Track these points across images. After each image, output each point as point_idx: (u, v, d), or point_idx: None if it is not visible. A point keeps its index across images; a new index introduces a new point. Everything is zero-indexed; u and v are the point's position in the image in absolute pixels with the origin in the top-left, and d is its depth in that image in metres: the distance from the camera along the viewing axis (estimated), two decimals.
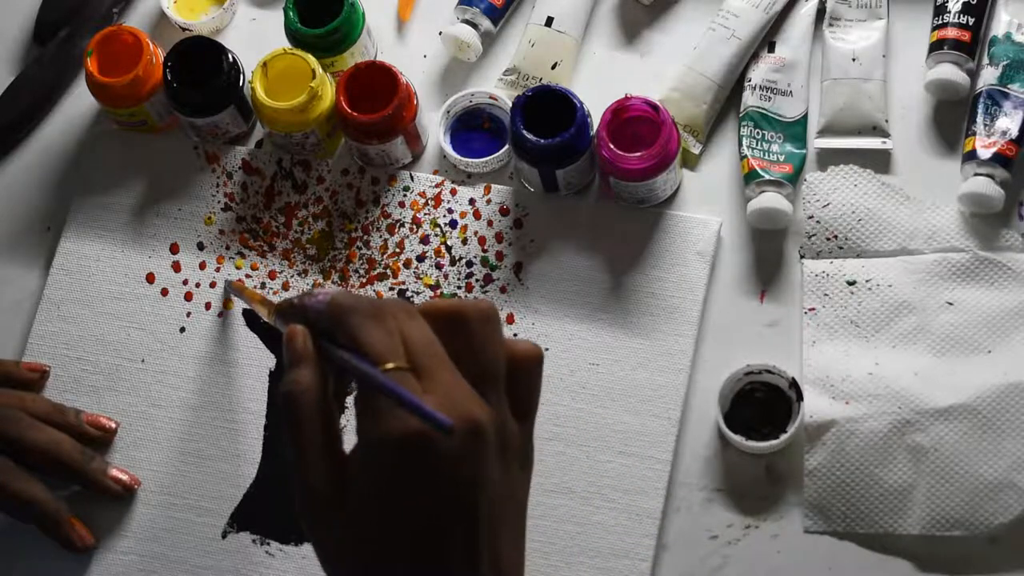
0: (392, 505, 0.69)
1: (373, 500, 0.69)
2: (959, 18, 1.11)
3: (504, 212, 1.12)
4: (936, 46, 1.11)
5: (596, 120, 1.09)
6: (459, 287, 1.10)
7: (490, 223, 1.12)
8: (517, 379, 0.73)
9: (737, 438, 1.02)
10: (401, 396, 0.68)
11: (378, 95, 1.10)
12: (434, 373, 0.69)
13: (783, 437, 1.02)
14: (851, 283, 1.07)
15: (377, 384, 0.68)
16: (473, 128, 1.15)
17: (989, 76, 1.09)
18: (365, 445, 0.70)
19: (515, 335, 1.08)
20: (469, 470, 0.68)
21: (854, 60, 1.12)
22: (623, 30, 1.18)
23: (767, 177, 1.09)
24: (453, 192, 1.13)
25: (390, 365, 0.69)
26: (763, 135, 1.10)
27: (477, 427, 0.68)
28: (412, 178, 1.14)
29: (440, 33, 1.18)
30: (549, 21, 1.15)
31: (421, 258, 1.11)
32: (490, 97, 1.14)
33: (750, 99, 1.12)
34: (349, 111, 1.09)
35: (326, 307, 0.72)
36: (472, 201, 1.12)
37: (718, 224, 1.10)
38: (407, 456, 0.68)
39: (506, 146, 1.12)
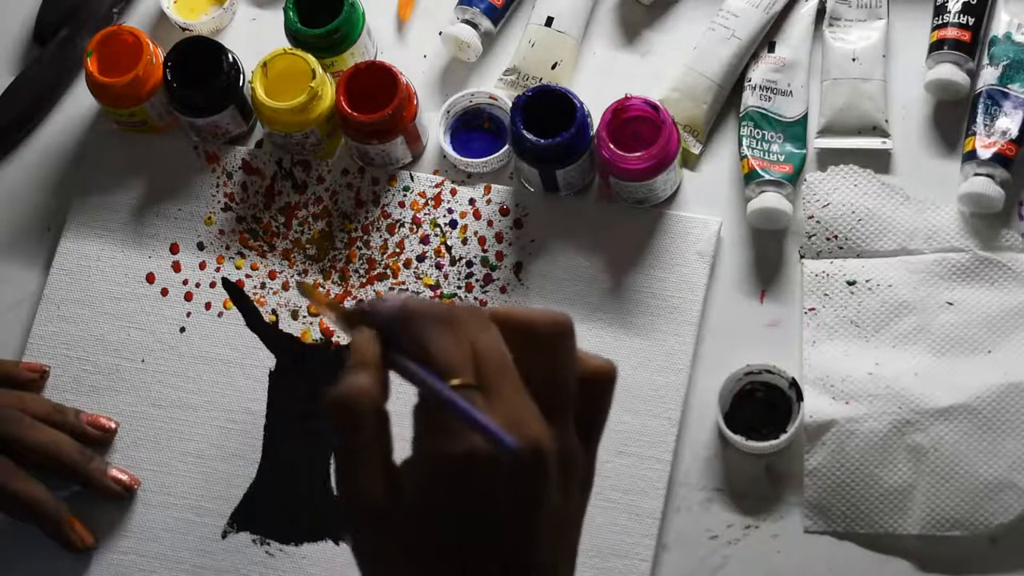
0: (445, 522, 0.66)
1: (426, 516, 0.67)
2: (959, 18, 1.11)
3: (504, 212, 1.12)
4: (936, 46, 1.11)
5: (596, 120, 1.09)
6: (459, 287, 1.10)
7: (490, 223, 1.12)
8: (587, 398, 0.70)
9: (737, 438, 1.02)
10: (468, 415, 0.65)
11: (378, 95, 1.10)
12: (501, 391, 0.66)
13: (783, 437, 1.02)
14: (851, 283, 1.07)
15: (444, 399, 0.66)
16: (473, 128, 1.15)
17: (989, 76, 1.09)
18: (423, 459, 0.67)
19: None
20: (528, 494, 0.66)
21: (854, 60, 1.12)
22: (623, 30, 1.18)
23: (767, 177, 1.09)
24: (453, 192, 1.13)
25: (456, 381, 0.66)
26: (763, 135, 1.10)
27: (539, 451, 0.65)
28: (412, 178, 1.14)
29: (440, 33, 1.18)
30: (549, 21, 1.15)
31: (421, 258, 1.11)
32: (490, 97, 1.14)
33: (750, 99, 1.12)
34: (349, 111, 1.09)
35: (397, 312, 0.69)
36: (472, 201, 1.12)
37: (718, 224, 1.10)
38: (466, 475, 0.65)
39: (506, 146, 1.12)
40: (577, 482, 0.70)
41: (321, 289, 1.09)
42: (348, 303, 1.10)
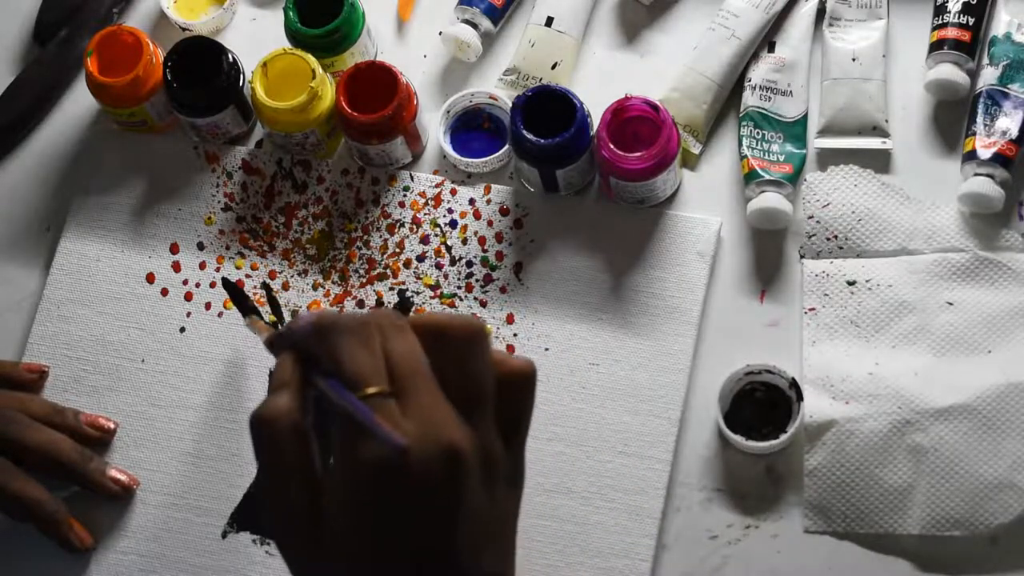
0: (368, 531, 0.68)
1: (349, 526, 0.68)
2: (959, 18, 1.11)
3: (504, 212, 1.12)
4: (936, 46, 1.11)
5: (596, 120, 1.09)
6: (459, 287, 1.10)
7: (490, 223, 1.12)
8: (507, 397, 0.72)
9: (737, 438, 1.02)
10: (360, 415, 0.67)
11: (378, 95, 1.10)
12: (415, 395, 0.68)
13: (783, 437, 1.02)
14: (851, 283, 1.07)
15: (344, 407, 0.68)
16: (473, 128, 1.15)
17: (989, 76, 1.09)
18: (341, 469, 0.69)
19: (515, 335, 1.08)
20: (444, 496, 0.68)
21: (854, 60, 1.12)
22: (623, 30, 1.18)
23: (767, 177, 1.09)
24: (453, 192, 1.13)
25: (371, 390, 0.68)
26: (763, 135, 1.11)
27: (454, 452, 0.67)
28: (412, 178, 1.14)
29: (440, 33, 1.18)
30: (549, 21, 1.15)
31: (421, 258, 1.11)
32: (490, 97, 1.14)
33: (750, 99, 1.12)
34: (349, 111, 1.09)
35: (311, 329, 0.71)
36: (472, 201, 1.12)
37: (718, 224, 1.10)
38: (383, 482, 0.67)
39: (506, 146, 1.12)
40: (502, 479, 0.71)
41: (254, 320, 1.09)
42: (348, 303, 1.10)
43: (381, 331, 0.70)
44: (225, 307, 1.11)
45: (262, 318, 1.11)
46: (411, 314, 0.73)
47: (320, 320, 0.71)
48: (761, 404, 1.04)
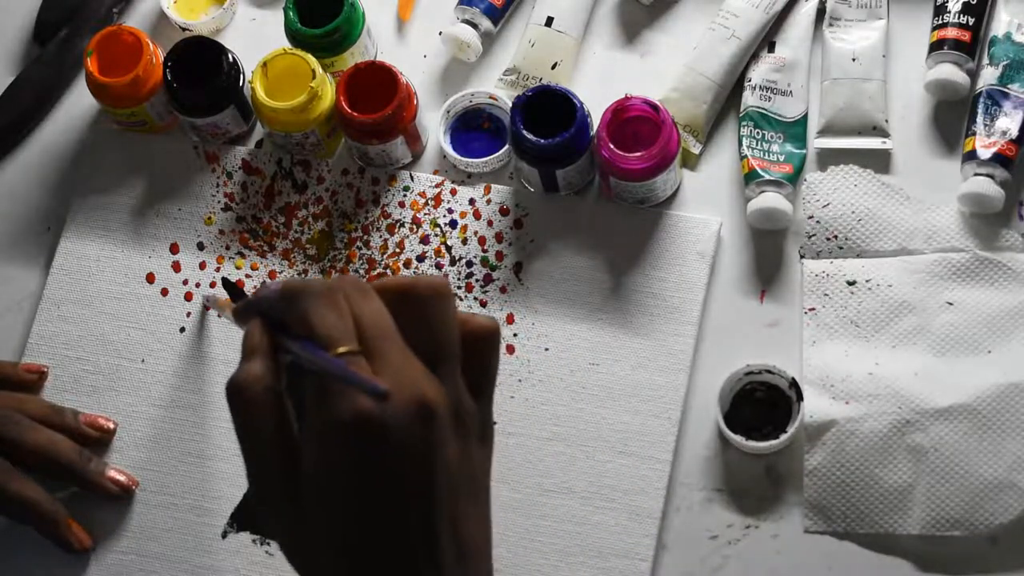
0: (345, 488, 0.69)
1: (326, 485, 0.69)
2: (959, 18, 1.11)
3: (504, 212, 1.12)
4: (936, 46, 1.11)
5: (596, 120, 1.09)
6: (459, 287, 1.10)
7: (490, 223, 1.12)
8: (472, 355, 0.73)
9: (737, 438, 1.02)
10: (341, 372, 0.68)
11: (378, 95, 1.10)
12: (385, 354, 0.69)
13: (783, 437, 1.02)
14: (851, 283, 1.07)
15: (319, 365, 0.69)
16: (473, 128, 1.15)
17: (989, 76, 1.09)
18: (316, 430, 0.69)
19: (515, 335, 1.08)
20: (421, 449, 0.68)
21: (854, 60, 1.12)
22: (623, 30, 1.18)
23: (767, 177, 1.09)
24: (453, 192, 1.13)
25: (342, 349, 0.69)
26: (763, 135, 1.11)
27: (428, 406, 0.68)
28: (412, 178, 1.14)
29: (440, 33, 1.18)
30: (549, 21, 1.15)
31: (421, 258, 1.11)
32: (490, 97, 1.14)
33: (750, 99, 1.12)
34: (349, 111, 1.09)
35: (278, 295, 0.72)
36: (472, 201, 1.12)
37: (718, 224, 1.10)
38: (357, 437, 0.67)
39: (506, 146, 1.12)
40: (474, 433, 0.72)
41: (212, 296, 1.09)
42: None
43: (347, 295, 0.71)
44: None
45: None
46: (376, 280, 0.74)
47: (287, 286, 0.72)
48: (761, 404, 1.04)
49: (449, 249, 1.11)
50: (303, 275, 1.11)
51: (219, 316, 1.10)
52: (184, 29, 1.20)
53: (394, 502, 0.69)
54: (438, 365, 0.70)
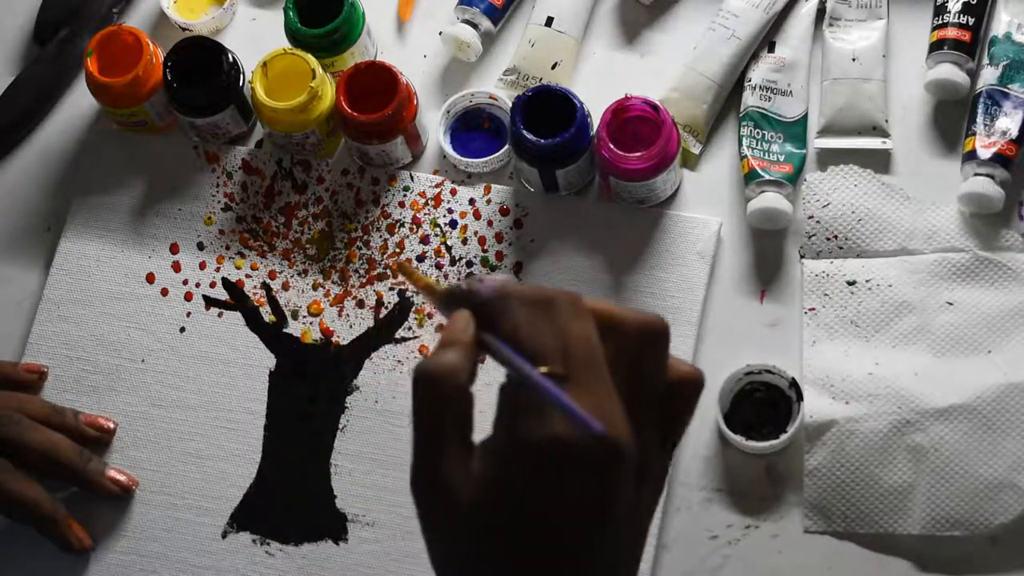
0: (518, 506, 0.66)
1: (499, 497, 0.67)
2: (959, 18, 1.11)
3: (504, 212, 1.12)
4: (936, 46, 1.11)
5: (596, 120, 1.09)
6: None
7: (490, 223, 1.12)
8: (671, 403, 0.70)
9: (737, 438, 1.02)
10: (558, 399, 0.65)
11: (378, 95, 1.10)
12: (587, 383, 0.66)
13: (783, 437, 1.02)
14: (851, 283, 1.07)
15: (533, 383, 0.66)
16: (473, 128, 1.15)
17: (989, 76, 1.09)
18: (504, 440, 0.67)
19: None
20: (603, 488, 0.66)
21: (854, 60, 1.12)
22: (623, 30, 1.18)
23: (767, 177, 1.09)
24: (453, 192, 1.13)
25: (544, 369, 0.66)
26: (763, 135, 1.10)
27: (618, 448, 0.65)
28: (412, 178, 1.14)
29: (440, 33, 1.18)
30: (549, 21, 1.15)
31: (421, 258, 1.11)
32: (490, 97, 1.14)
33: (750, 99, 1.12)
34: (349, 111, 1.09)
35: (495, 293, 0.69)
36: (472, 201, 1.12)
37: (718, 224, 1.10)
38: (545, 461, 0.65)
39: (506, 146, 1.12)
40: (650, 485, 0.70)
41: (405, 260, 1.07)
42: (348, 303, 1.10)
43: (562, 311, 0.68)
44: (226, 306, 1.12)
45: (262, 319, 1.11)
46: (591, 299, 0.70)
47: (507, 286, 0.69)
48: (761, 404, 1.04)
49: (449, 249, 1.11)
50: (303, 275, 1.11)
51: (409, 291, 1.08)
52: (184, 29, 1.20)
53: (560, 535, 0.67)
54: (635, 408, 0.68)
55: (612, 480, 0.66)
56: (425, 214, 1.12)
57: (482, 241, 1.11)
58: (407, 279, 0.92)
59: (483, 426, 0.68)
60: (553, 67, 1.15)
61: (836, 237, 1.08)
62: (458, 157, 1.13)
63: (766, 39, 1.14)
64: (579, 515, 0.66)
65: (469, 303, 0.70)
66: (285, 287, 1.12)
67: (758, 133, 1.10)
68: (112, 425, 1.08)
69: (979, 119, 1.08)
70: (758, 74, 1.12)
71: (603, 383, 0.67)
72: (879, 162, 1.11)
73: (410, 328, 1.09)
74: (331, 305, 1.11)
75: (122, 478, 1.07)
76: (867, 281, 1.07)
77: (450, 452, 0.67)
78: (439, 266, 1.11)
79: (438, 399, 0.67)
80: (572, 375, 0.66)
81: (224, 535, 1.06)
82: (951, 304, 1.06)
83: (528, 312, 0.68)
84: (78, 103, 1.20)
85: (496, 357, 0.68)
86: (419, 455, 0.68)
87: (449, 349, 0.68)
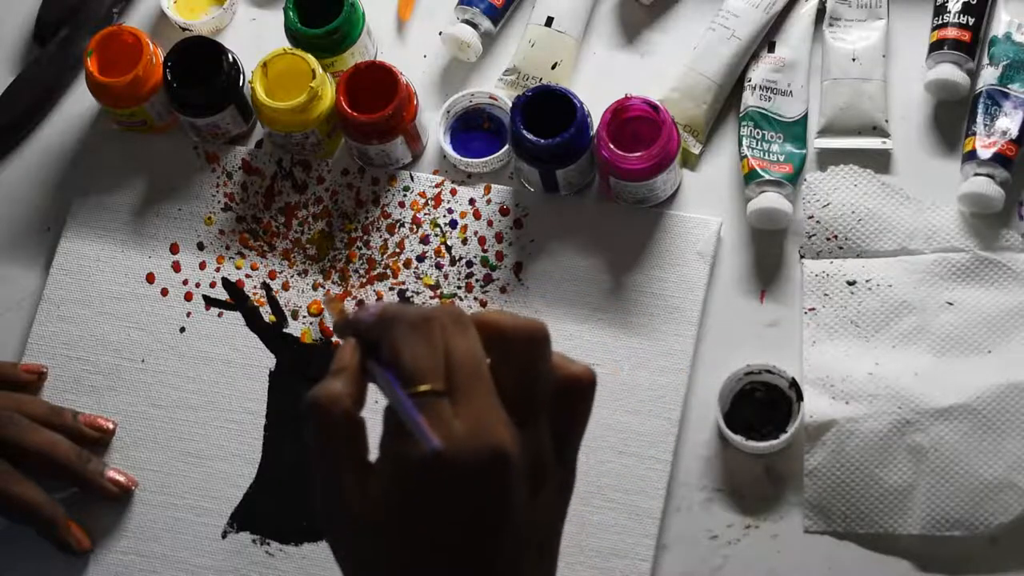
0: (411, 524, 0.68)
1: (393, 516, 0.68)
2: (959, 18, 1.11)
3: (504, 212, 1.12)
4: (936, 46, 1.11)
5: (596, 120, 1.09)
6: (459, 287, 1.10)
7: (490, 223, 1.12)
8: (563, 402, 0.71)
9: (737, 438, 1.02)
10: (404, 410, 0.67)
11: (378, 95, 1.10)
12: (469, 395, 0.68)
13: (783, 437, 1.02)
14: (851, 283, 1.07)
15: (396, 403, 0.68)
16: (473, 128, 1.15)
17: (989, 76, 1.09)
18: (391, 462, 0.69)
19: None
20: (490, 498, 0.67)
21: (854, 60, 1.12)
22: (623, 30, 1.18)
23: (767, 177, 1.09)
24: (453, 192, 1.13)
25: (424, 387, 0.68)
26: (763, 135, 1.10)
27: (503, 455, 0.67)
28: (412, 178, 1.14)
29: (440, 33, 1.18)
30: (549, 21, 1.15)
31: (421, 258, 1.11)
32: (490, 97, 1.14)
33: (750, 99, 1.12)
34: (349, 111, 1.09)
35: (372, 319, 0.71)
36: (472, 201, 1.12)
37: (718, 224, 1.10)
38: (426, 478, 0.67)
39: (506, 146, 1.12)
40: (551, 486, 0.71)
41: (331, 293, 1.10)
42: (349, 303, 1.10)
43: (443, 328, 0.69)
44: (226, 305, 1.12)
45: (262, 319, 1.11)
46: (475, 311, 0.72)
47: (385, 311, 0.71)
48: (761, 404, 1.04)
49: (449, 249, 1.11)
50: (303, 275, 1.11)
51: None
52: (184, 29, 1.20)
53: (452, 548, 0.68)
54: (524, 413, 0.69)
55: (499, 489, 0.67)
56: (425, 214, 1.12)
57: (482, 241, 1.11)
58: (329, 311, 0.95)
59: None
60: (553, 67, 1.15)
61: (836, 237, 1.08)
62: (458, 157, 1.13)
63: (766, 39, 1.14)
64: (470, 526, 0.68)
65: (355, 331, 0.72)
66: (285, 287, 1.12)
67: (758, 133, 1.10)
68: (112, 425, 1.08)
69: (979, 119, 1.08)
70: (758, 74, 1.12)
71: (485, 394, 0.68)
72: (879, 162, 1.11)
73: None
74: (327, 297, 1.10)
75: (122, 478, 1.07)
76: (867, 281, 1.07)
77: (345, 477, 0.69)
78: (439, 266, 1.11)
79: (327, 426, 0.70)
80: (454, 389, 0.68)
81: (224, 535, 1.06)
82: (951, 304, 1.06)
83: (407, 333, 0.69)
84: (78, 103, 1.20)
85: (375, 382, 0.71)
86: (317, 479, 0.71)
87: (335, 377, 0.71)
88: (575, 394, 0.72)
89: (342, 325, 0.74)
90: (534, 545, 0.70)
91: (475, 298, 1.09)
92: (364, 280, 1.11)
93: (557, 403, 0.71)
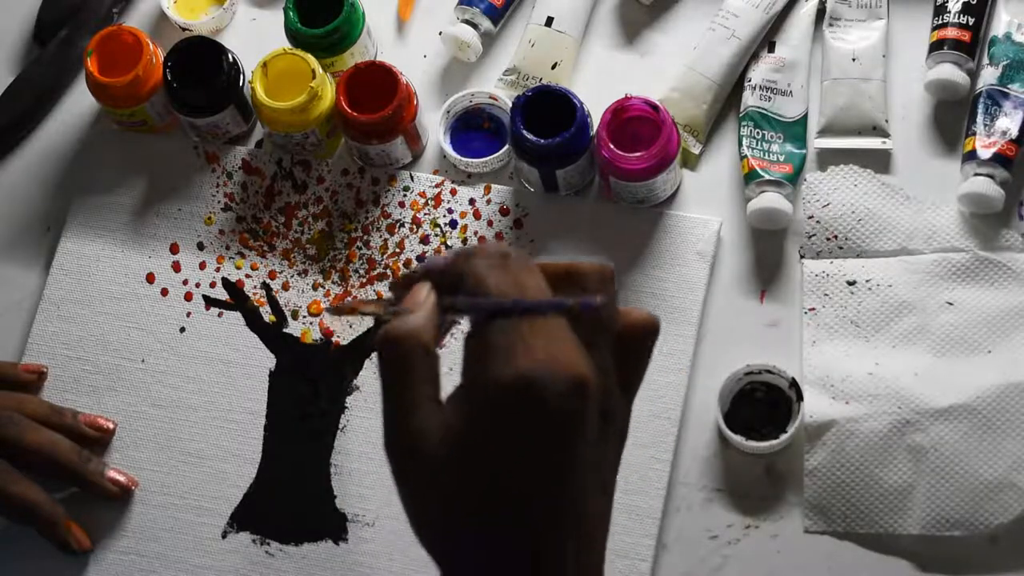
0: (491, 448, 0.68)
1: (473, 442, 0.68)
2: (959, 18, 1.11)
3: (504, 212, 1.12)
4: (936, 46, 1.11)
5: (596, 120, 1.09)
6: None
7: (490, 223, 1.12)
8: (627, 348, 0.72)
9: (737, 438, 1.02)
10: (548, 303, 0.67)
11: (378, 95, 1.10)
12: (547, 327, 0.68)
13: (783, 437, 1.02)
14: (851, 283, 1.07)
15: (515, 309, 0.68)
16: (473, 128, 1.15)
17: (989, 76, 1.09)
18: (474, 387, 0.68)
19: None
20: (570, 424, 0.67)
21: (854, 60, 1.12)
22: (623, 30, 1.18)
23: (767, 177, 1.09)
24: (453, 192, 1.13)
25: None
26: (763, 135, 1.11)
27: (583, 383, 0.67)
28: (412, 178, 1.14)
29: (440, 33, 1.18)
30: (549, 21, 1.15)
31: (421, 258, 1.11)
32: (490, 97, 1.14)
33: (750, 99, 1.12)
34: (349, 111, 1.09)
35: (453, 257, 0.71)
36: (472, 201, 1.12)
37: (718, 224, 1.10)
38: (515, 399, 0.66)
39: (506, 146, 1.12)
40: (616, 426, 0.71)
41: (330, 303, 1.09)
42: (348, 303, 1.10)
43: (517, 265, 0.70)
44: (226, 305, 1.12)
45: (262, 319, 1.11)
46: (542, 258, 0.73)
47: (463, 249, 0.71)
48: (761, 404, 1.04)
49: (449, 249, 1.11)
50: (303, 275, 1.11)
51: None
52: (184, 29, 1.20)
53: (532, 469, 0.68)
54: (592, 350, 0.69)
55: (579, 418, 0.67)
56: (425, 214, 1.12)
57: (482, 241, 1.11)
58: (345, 314, 0.94)
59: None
60: (553, 67, 1.15)
61: (836, 237, 1.08)
62: (458, 157, 1.13)
63: (766, 39, 1.14)
64: (550, 454, 0.67)
65: (428, 278, 0.72)
66: (285, 287, 1.12)
67: (758, 133, 1.11)
68: (112, 425, 1.08)
69: (979, 119, 1.08)
70: (758, 74, 1.12)
71: (561, 326, 0.68)
72: (879, 162, 1.11)
73: None
74: (331, 305, 1.10)
75: (122, 478, 1.07)
76: (867, 281, 1.07)
77: (419, 407, 0.69)
78: (393, 276, 1.10)
79: (403, 357, 0.69)
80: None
81: (224, 535, 1.06)
82: (951, 304, 1.06)
83: (489, 265, 0.69)
84: (78, 103, 1.20)
85: (462, 310, 0.70)
86: (389, 414, 0.70)
87: (410, 314, 0.70)
88: (639, 340, 0.72)
89: (408, 279, 0.73)
90: (599, 483, 0.71)
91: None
92: (364, 280, 1.11)
93: (620, 349, 0.72)
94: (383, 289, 1.11)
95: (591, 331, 0.70)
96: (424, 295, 0.71)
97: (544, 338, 0.67)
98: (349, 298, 1.09)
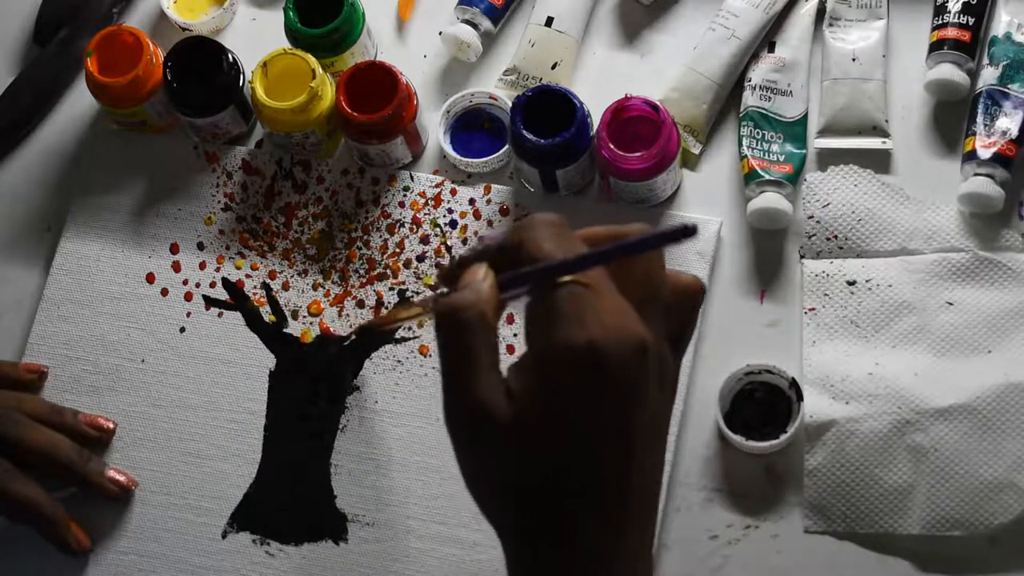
0: (559, 413, 0.68)
1: (540, 407, 0.69)
2: (959, 18, 1.11)
3: (504, 212, 1.12)
4: (936, 46, 1.11)
5: (596, 120, 1.09)
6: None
7: (490, 223, 1.12)
8: (675, 310, 0.73)
9: (737, 438, 1.02)
10: (644, 236, 0.69)
11: (378, 95, 1.10)
12: (602, 292, 0.69)
13: (783, 437, 1.02)
14: (851, 283, 1.07)
15: (598, 259, 0.69)
16: (473, 128, 1.15)
17: (989, 76, 1.09)
18: (541, 353, 0.69)
19: (515, 335, 1.08)
20: (635, 387, 0.68)
21: (854, 60, 1.12)
22: (623, 30, 1.18)
23: (767, 177, 1.09)
24: (453, 192, 1.13)
25: (568, 278, 0.69)
26: (763, 135, 1.11)
27: (644, 346, 0.68)
28: (412, 178, 1.14)
29: (440, 33, 1.18)
30: (549, 21, 1.15)
31: (421, 258, 1.11)
32: (490, 97, 1.14)
33: (750, 99, 1.12)
34: (349, 111, 1.09)
35: (506, 238, 0.72)
36: (472, 201, 1.12)
37: (718, 224, 1.10)
38: (584, 365, 0.67)
39: (506, 146, 1.12)
40: (669, 391, 0.73)
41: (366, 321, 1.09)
42: (348, 303, 1.10)
43: (569, 236, 0.71)
44: (226, 305, 1.12)
45: (261, 319, 1.11)
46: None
47: (515, 225, 0.73)
48: (761, 404, 1.04)
49: (449, 249, 1.11)
50: (303, 275, 1.11)
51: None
52: (184, 29, 1.20)
53: (599, 439, 0.68)
54: (644, 313, 0.70)
55: (642, 380, 0.69)
56: (425, 214, 1.12)
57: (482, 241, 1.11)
58: (384, 326, 0.93)
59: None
60: (553, 67, 1.15)
61: (836, 237, 1.08)
62: (458, 157, 1.13)
63: (766, 39, 1.14)
64: (617, 417, 0.68)
65: (484, 258, 0.72)
66: (285, 287, 1.12)
67: (758, 133, 1.11)
68: (112, 425, 1.08)
69: (979, 119, 1.08)
70: (758, 74, 1.12)
71: (613, 291, 0.70)
72: (879, 162, 1.11)
73: (411, 328, 1.09)
74: (331, 305, 1.11)
75: (122, 478, 1.07)
76: (867, 281, 1.07)
77: (482, 375, 0.69)
78: (439, 266, 1.11)
79: (464, 326, 0.70)
80: (590, 285, 0.69)
81: (224, 535, 1.06)
82: (951, 304, 1.06)
83: (547, 235, 0.71)
84: (78, 103, 1.20)
85: (524, 279, 0.70)
86: (450, 384, 0.70)
87: (468, 287, 0.71)
88: (686, 301, 0.74)
89: (463, 261, 0.73)
90: (659, 448, 0.72)
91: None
92: (364, 280, 1.11)
93: (668, 310, 0.73)
94: (383, 289, 1.11)
95: (642, 295, 0.71)
96: (482, 273, 0.72)
97: (611, 303, 0.69)
98: (383, 311, 1.09)
